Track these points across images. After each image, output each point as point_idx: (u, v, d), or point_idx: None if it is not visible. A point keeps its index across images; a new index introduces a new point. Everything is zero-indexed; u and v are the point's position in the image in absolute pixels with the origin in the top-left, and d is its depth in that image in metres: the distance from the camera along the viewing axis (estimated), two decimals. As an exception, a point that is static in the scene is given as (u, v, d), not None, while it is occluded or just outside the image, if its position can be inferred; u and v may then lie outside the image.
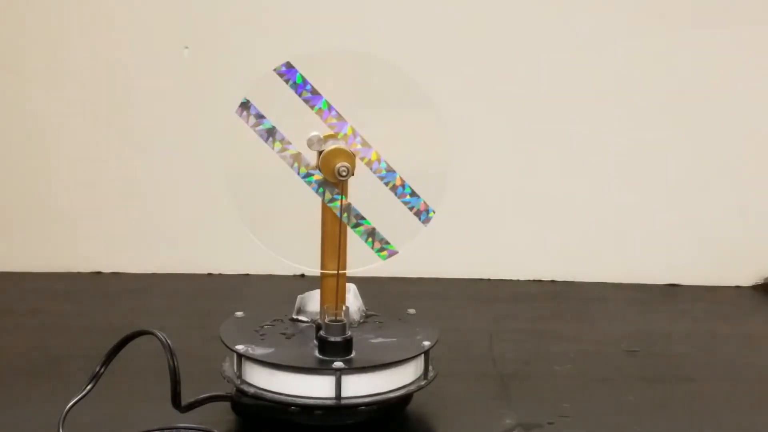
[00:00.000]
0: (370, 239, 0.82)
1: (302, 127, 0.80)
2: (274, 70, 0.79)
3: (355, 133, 0.80)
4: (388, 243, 0.83)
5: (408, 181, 0.82)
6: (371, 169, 0.81)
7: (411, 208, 0.82)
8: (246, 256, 1.25)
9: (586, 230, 1.27)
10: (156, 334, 0.77)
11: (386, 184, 0.82)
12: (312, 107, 0.80)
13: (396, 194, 0.82)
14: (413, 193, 0.82)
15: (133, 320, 1.00)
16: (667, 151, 1.25)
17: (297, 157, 0.80)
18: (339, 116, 0.80)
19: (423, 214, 0.83)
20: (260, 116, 0.80)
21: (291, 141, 0.80)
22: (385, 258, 0.83)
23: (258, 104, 0.80)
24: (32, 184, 1.28)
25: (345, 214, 0.81)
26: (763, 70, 1.24)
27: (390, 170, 0.82)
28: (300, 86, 0.80)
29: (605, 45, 1.23)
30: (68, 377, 0.89)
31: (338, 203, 0.81)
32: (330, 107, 0.80)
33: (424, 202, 0.82)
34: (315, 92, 0.80)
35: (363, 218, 0.82)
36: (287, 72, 0.80)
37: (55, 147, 1.27)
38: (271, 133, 0.80)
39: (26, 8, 1.24)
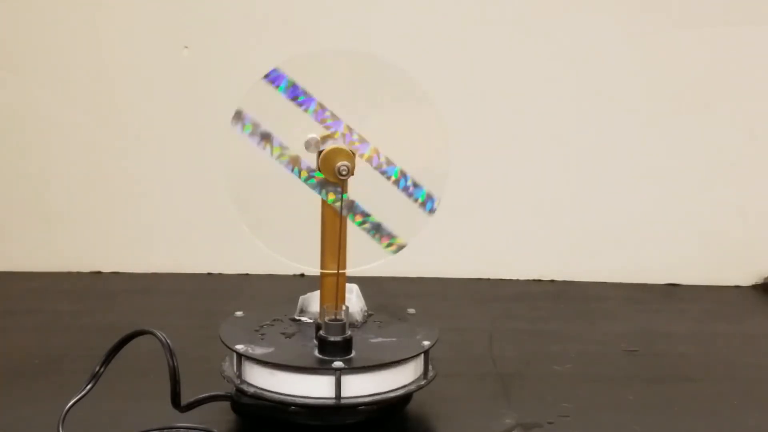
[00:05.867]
0: (377, 234, 0.82)
1: (299, 131, 0.80)
2: (264, 77, 0.79)
3: (351, 131, 0.80)
4: (394, 237, 0.82)
5: (408, 173, 0.81)
6: (371, 164, 0.81)
7: (415, 200, 0.82)
8: (246, 256, 1.25)
9: (586, 230, 1.27)
10: (156, 334, 0.77)
11: (387, 178, 0.81)
12: (306, 110, 0.80)
13: (399, 187, 0.81)
14: (416, 184, 0.82)
15: (133, 320, 1.00)
16: (667, 150, 1.25)
17: (296, 160, 0.80)
18: (333, 115, 0.80)
19: (428, 204, 0.82)
20: (256, 124, 0.79)
21: (288, 145, 0.80)
22: (394, 252, 0.82)
23: (252, 112, 0.79)
24: (32, 183, 1.28)
25: (350, 213, 0.81)
26: (763, 70, 1.24)
27: (390, 164, 0.81)
28: (291, 91, 0.79)
29: (605, 44, 1.23)
30: (68, 377, 0.89)
31: (340, 203, 0.81)
32: (323, 108, 0.80)
33: (428, 192, 0.82)
34: (307, 95, 0.80)
35: (368, 214, 0.82)
36: (276, 78, 0.79)
37: (54, 147, 1.27)
38: (266, 139, 0.80)
39: (25, 7, 1.24)
